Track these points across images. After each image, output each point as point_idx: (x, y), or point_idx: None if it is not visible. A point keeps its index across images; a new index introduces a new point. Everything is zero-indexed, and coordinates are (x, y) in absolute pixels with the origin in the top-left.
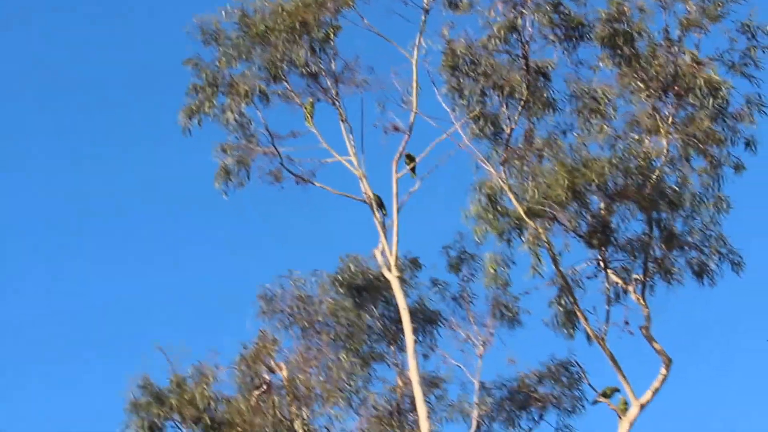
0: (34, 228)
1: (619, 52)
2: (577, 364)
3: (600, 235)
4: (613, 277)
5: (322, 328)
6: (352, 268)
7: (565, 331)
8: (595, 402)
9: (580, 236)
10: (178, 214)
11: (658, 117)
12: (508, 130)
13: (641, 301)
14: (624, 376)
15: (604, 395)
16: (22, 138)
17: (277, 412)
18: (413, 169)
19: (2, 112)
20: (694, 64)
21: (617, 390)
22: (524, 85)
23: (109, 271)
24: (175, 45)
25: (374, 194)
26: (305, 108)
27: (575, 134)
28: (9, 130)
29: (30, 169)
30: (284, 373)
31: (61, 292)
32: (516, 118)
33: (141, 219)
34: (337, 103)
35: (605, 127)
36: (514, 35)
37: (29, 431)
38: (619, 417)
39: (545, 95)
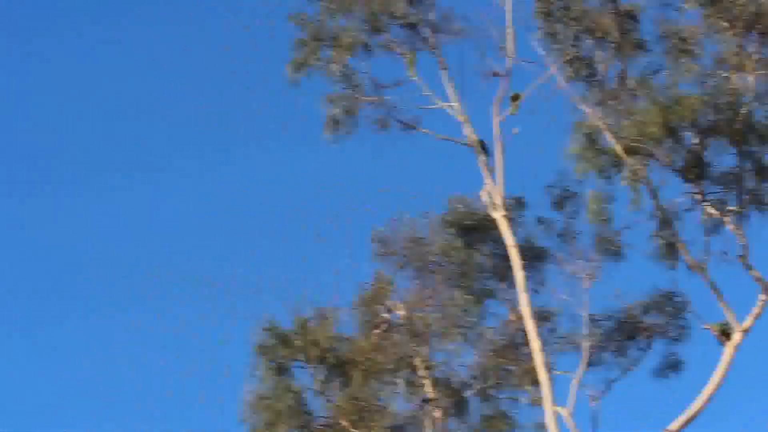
0: None
1: None
2: (680, 293)
3: (695, 169)
4: (710, 209)
5: (435, 267)
6: (461, 209)
7: (667, 262)
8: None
9: (676, 171)
10: (290, 162)
11: (743, 54)
12: (602, 72)
13: (738, 231)
14: (725, 304)
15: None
16: None
17: (398, 350)
18: (516, 106)
19: None
20: None
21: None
22: (615, 28)
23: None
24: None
25: (477, 137)
26: (406, 57)
27: (666, 73)
28: None
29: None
30: (402, 312)
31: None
32: (609, 60)
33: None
34: (436, 51)
35: (694, 65)
36: None
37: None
38: (723, 343)
39: (635, 37)
